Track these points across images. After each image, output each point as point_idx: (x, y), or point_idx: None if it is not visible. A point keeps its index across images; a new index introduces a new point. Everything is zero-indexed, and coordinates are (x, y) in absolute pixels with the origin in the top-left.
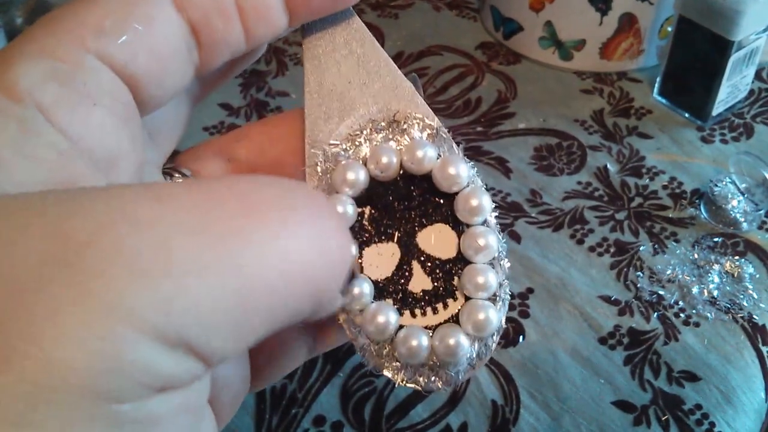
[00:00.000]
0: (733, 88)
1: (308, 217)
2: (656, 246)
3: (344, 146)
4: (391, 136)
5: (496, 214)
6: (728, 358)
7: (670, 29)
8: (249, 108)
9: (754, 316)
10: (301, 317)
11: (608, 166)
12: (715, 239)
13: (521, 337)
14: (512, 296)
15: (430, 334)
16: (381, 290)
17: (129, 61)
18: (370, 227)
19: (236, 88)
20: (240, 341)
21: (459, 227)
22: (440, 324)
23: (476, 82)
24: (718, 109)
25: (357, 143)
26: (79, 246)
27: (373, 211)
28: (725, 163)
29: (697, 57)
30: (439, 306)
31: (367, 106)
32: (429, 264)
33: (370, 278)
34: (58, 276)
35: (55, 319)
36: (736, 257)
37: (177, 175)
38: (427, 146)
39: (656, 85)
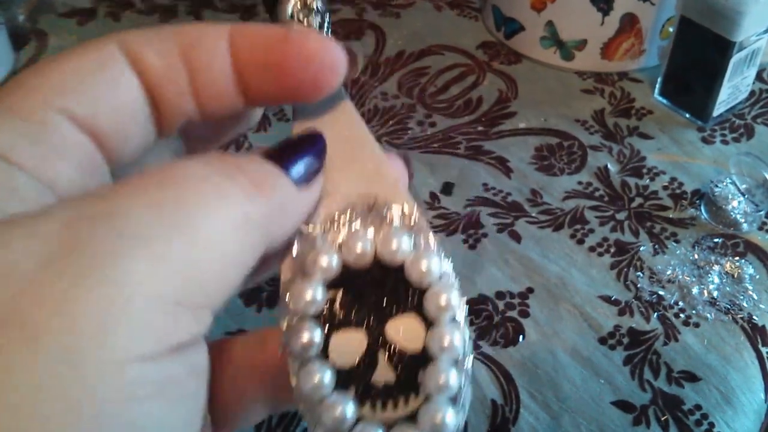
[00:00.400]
0: (734, 88)
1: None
2: (656, 246)
3: (321, 229)
4: (369, 223)
5: (467, 309)
6: (728, 359)
7: (671, 30)
8: None
9: (754, 317)
10: (260, 254)
11: (609, 166)
12: (716, 240)
13: (521, 337)
14: (512, 296)
15: (387, 431)
16: (344, 378)
17: (91, 116)
18: (339, 312)
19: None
20: (219, 291)
21: (428, 321)
22: (398, 420)
23: (477, 82)
24: (719, 109)
25: (334, 227)
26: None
27: (344, 296)
28: (726, 163)
29: (698, 57)
30: (400, 401)
31: (349, 189)
32: (395, 356)
33: (334, 364)
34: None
35: (77, 296)
36: (737, 258)
37: None
38: (402, 237)
39: (657, 86)
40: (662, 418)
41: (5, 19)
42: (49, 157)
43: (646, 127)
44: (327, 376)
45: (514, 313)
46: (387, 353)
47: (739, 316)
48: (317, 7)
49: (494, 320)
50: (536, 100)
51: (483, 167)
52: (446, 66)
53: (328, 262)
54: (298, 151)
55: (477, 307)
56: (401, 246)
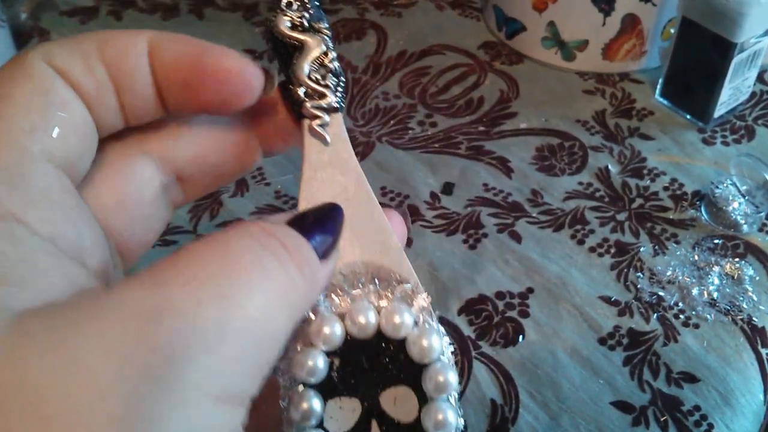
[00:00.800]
0: (734, 90)
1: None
2: (656, 247)
3: (323, 296)
4: (372, 294)
5: (454, 356)
6: (727, 360)
7: (672, 31)
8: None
9: (754, 318)
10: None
11: (609, 166)
12: (716, 241)
13: (521, 337)
14: (512, 296)
15: None
16: None
17: (61, 147)
18: (336, 379)
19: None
20: (260, 376)
21: (423, 395)
22: None
23: (478, 82)
24: (719, 111)
25: (338, 295)
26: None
27: (342, 364)
28: (726, 165)
29: (699, 59)
30: None
31: (353, 257)
32: (387, 426)
33: (327, 431)
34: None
35: (141, 407)
36: (737, 259)
37: None
38: (405, 312)
39: (658, 87)
40: (661, 419)
41: (8, 17)
42: (44, 205)
43: (646, 128)
44: None
45: (514, 313)
46: (379, 422)
47: (738, 317)
48: (335, 69)
49: (494, 320)
50: (537, 100)
51: (484, 167)
52: (447, 66)
53: (332, 332)
54: (320, 223)
55: (477, 307)
56: (404, 321)
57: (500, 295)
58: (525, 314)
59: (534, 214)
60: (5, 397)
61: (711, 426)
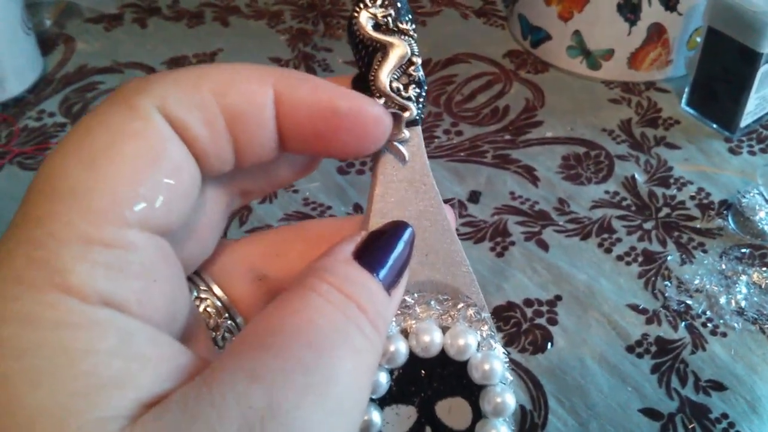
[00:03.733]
0: (761, 100)
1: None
2: (684, 256)
3: None
4: (437, 313)
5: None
6: (755, 369)
7: (698, 40)
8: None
9: None
10: None
11: (636, 175)
12: (743, 250)
13: (549, 344)
14: (540, 303)
15: None
16: None
17: (165, 216)
18: (394, 388)
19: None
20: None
21: (478, 410)
22: None
23: (504, 90)
24: (746, 120)
25: (404, 313)
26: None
27: (401, 374)
28: (753, 174)
29: (725, 68)
30: None
31: (423, 277)
32: (440, 431)
33: None
34: None
35: None
36: (764, 268)
37: (203, 287)
38: (470, 335)
39: (684, 96)
40: (690, 426)
41: (33, 24)
42: (145, 286)
43: (673, 137)
44: None
45: (542, 321)
46: (434, 428)
47: (766, 326)
48: (419, 78)
49: (522, 327)
50: (563, 109)
51: (510, 176)
52: (473, 74)
53: (396, 351)
54: (387, 248)
55: (505, 314)
56: (468, 344)
57: (528, 302)
58: (553, 322)
59: (561, 223)
60: None
61: None
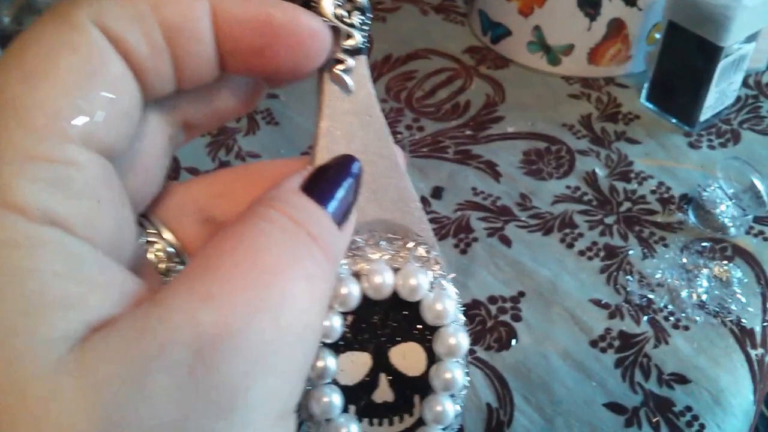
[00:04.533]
0: (720, 94)
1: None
2: (645, 250)
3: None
4: (389, 255)
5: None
6: (717, 361)
7: (657, 36)
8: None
9: (743, 320)
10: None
11: (597, 170)
12: (704, 244)
13: (514, 341)
14: (504, 300)
15: None
16: (347, 395)
17: (105, 131)
18: (349, 334)
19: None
20: (306, 374)
21: (432, 354)
22: None
23: (464, 86)
24: (705, 115)
25: (355, 255)
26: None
27: (354, 320)
28: (713, 168)
29: (685, 63)
30: (396, 419)
31: (372, 215)
32: (395, 379)
33: (339, 383)
34: None
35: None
36: (725, 262)
37: (152, 230)
38: (421, 275)
39: (644, 91)
40: (653, 420)
41: None
42: (90, 207)
43: (633, 132)
44: (336, 398)
45: (506, 317)
46: (388, 376)
47: (728, 319)
48: (362, 3)
49: (487, 324)
50: (524, 104)
51: (472, 171)
52: (434, 70)
53: (349, 293)
54: (335, 182)
55: (471, 312)
56: (420, 284)
57: (492, 299)
58: (517, 318)
59: (523, 218)
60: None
61: (702, 426)
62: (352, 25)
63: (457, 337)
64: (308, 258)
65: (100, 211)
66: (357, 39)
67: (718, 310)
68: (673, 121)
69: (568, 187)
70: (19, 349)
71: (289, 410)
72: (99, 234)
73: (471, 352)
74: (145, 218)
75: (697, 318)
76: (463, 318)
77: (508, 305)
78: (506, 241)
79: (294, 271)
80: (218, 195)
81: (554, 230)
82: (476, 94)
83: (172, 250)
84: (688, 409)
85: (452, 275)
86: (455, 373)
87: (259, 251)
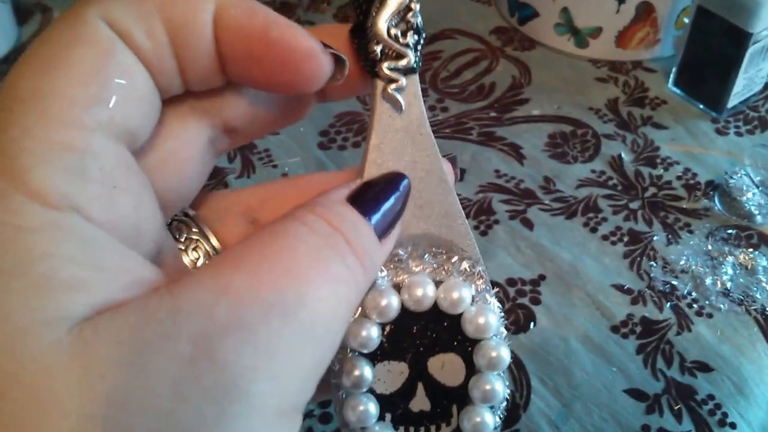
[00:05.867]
0: (748, 80)
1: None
2: (670, 236)
3: (383, 267)
4: (431, 267)
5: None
6: (741, 350)
7: (686, 20)
8: None
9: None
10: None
11: (622, 155)
12: (729, 231)
13: (532, 324)
14: (524, 283)
15: None
16: (383, 404)
17: (121, 117)
18: (386, 344)
19: None
20: (317, 380)
21: (472, 365)
22: None
23: (490, 67)
24: (733, 101)
25: (397, 267)
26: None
27: (392, 330)
28: (740, 155)
29: (713, 48)
30: (433, 428)
31: (417, 230)
32: (432, 389)
33: (375, 392)
34: None
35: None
36: (750, 249)
37: (195, 229)
38: (464, 289)
39: (671, 76)
40: (675, 407)
41: None
42: (105, 192)
43: (659, 117)
44: (371, 407)
45: (525, 300)
46: (425, 384)
47: (752, 307)
48: (417, 24)
49: (505, 306)
50: (550, 87)
51: (495, 153)
52: (459, 51)
53: (388, 305)
54: (382, 197)
55: None
56: (462, 297)
57: (512, 281)
58: (536, 301)
59: (546, 201)
60: (73, 407)
61: (725, 415)
62: (406, 45)
63: (498, 351)
64: (338, 262)
65: (116, 198)
66: (410, 59)
67: (742, 298)
68: (701, 107)
69: (593, 171)
70: (20, 327)
71: (294, 409)
72: (115, 220)
73: None
74: (188, 217)
75: (721, 306)
76: (505, 332)
77: (527, 288)
78: (528, 224)
79: (319, 274)
80: (266, 199)
81: (578, 214)
82: (502, 76)
83: (212, 248)
84: (711, 397)
85: (496, 290)
86: (496, 385)
87: (287, 251)
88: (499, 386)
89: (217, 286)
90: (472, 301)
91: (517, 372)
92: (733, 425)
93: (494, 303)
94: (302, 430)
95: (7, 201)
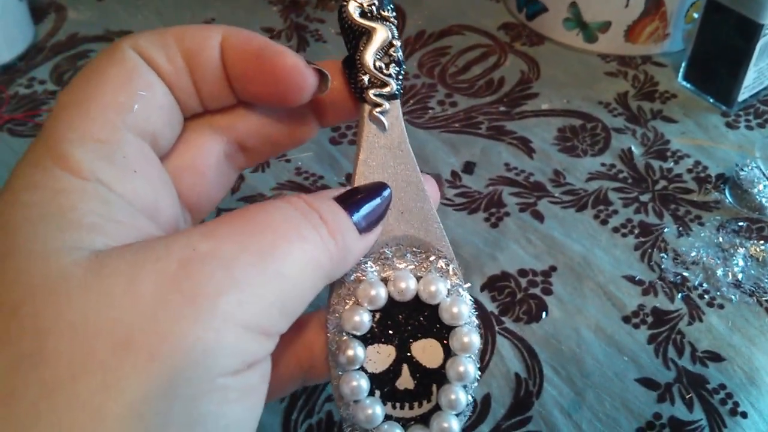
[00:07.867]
0: (759, 74)
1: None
2: (681, 228)
3: (372, 264)
4: (413, 264)
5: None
6: (752, 340)
7: (696, 15)
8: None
9: None
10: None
11: (633, 148)
12: (740, 223)
13: (544, 314)
14: (535, 273)
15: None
16: (373, 382)
17: (145, 121)
18: (376, 329)
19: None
20: (287, 320)
21: (448, 350)
22: (412, 419)
23: (499, 62)
24: (743, 95)
25: (384, 264)
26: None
27: (382, 318)
28: (750, 148)
29: (723, 41)
30: (416, 404)
31: (400, 232)
32: (415, 370)
33: (366, 371)
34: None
35: (180, 325)
36: (761, 242)
37: None
38: (440, 283)
39: (681, 70)
40: (687, 396)
41: None
42: (127, 174)
43: (670, 111)
44: (363, 383)
45: (537, 291)
46: (409, 366)
47: (763, 298)
48: (398, 58)
49: (517, 297)
50: (559, 81)
51: (505, 147)
52: (467, 46)
53: (377, 294)
54: (366, 200)
55: (500, 283)
56: (439, 290)
57: (523, 272)
58: (548, 292)
59: (556, 194)
60: (86, 317)
61: (736, 404)
62: (389, 75)
63: (470, 336)
64: (311, 230)
65: (135, 178)
66: (392, 87)
67: (753, 289)
68: (711, 100)
69: (603, 164)
70: (51, 248)
71: (261, 331)
72: (132, 193)
73: (499, 322)
74: None
75: (732, 297)
76: (476, 321)
77: (539, 279)
78: (538, 216)
79: (292, 234)
80: None
81: (588, 207)
82: (511, 71)
83: None
84: (722, 387)
85: (468, 285)
86: (468, 366)
87: (267, 215)
88: (471, 367)
89: (203, 231)
90: (448, 293)
91: (530, 360)
92: (744, 414)
93: (466, 296)
94: (323, 414)
95: (50, 172)
